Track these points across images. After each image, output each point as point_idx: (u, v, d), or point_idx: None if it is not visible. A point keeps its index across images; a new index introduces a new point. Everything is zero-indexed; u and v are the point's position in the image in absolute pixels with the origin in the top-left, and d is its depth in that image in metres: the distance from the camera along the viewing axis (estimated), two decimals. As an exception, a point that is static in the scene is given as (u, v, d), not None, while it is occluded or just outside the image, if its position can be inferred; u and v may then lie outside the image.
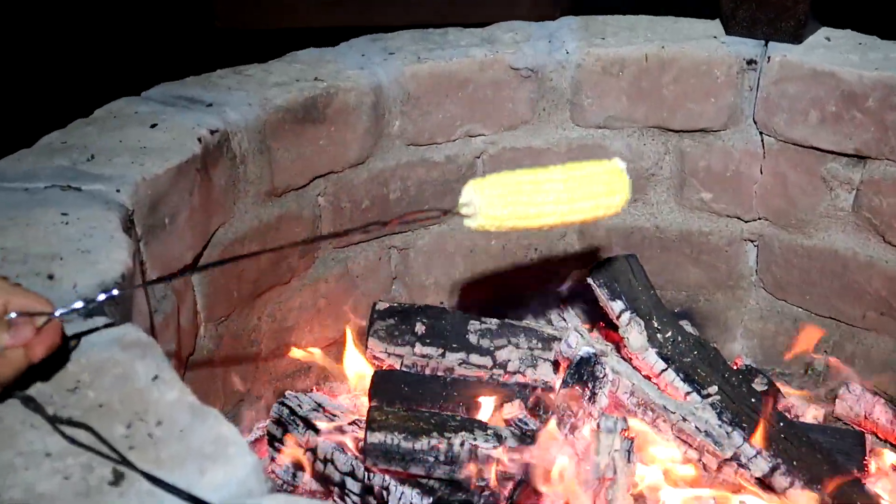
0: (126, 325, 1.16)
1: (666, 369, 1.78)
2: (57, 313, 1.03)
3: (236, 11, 3.46)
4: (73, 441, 0.95)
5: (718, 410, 1.71)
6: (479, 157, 2.06)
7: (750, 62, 1.96)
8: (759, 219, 2.07)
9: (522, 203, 1.25)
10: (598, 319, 1.98)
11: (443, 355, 1.91)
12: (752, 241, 2.11)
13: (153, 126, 1.65)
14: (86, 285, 1.21)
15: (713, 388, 1.75)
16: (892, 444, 1.89)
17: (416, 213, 1.27)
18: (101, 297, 1.12)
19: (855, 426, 1.93)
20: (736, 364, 2.09)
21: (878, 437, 1.90)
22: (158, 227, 1.52)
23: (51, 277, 1.23)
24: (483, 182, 1.25)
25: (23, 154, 1.55)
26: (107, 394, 1.02)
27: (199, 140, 1.62)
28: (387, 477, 1.69)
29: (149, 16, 4.20)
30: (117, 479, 0.91)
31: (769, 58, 1.94)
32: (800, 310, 2.09)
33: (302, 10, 3.45)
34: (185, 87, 1.82)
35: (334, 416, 1.83)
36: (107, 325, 1.15)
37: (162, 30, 4.09)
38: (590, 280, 1.86)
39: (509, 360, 1.91)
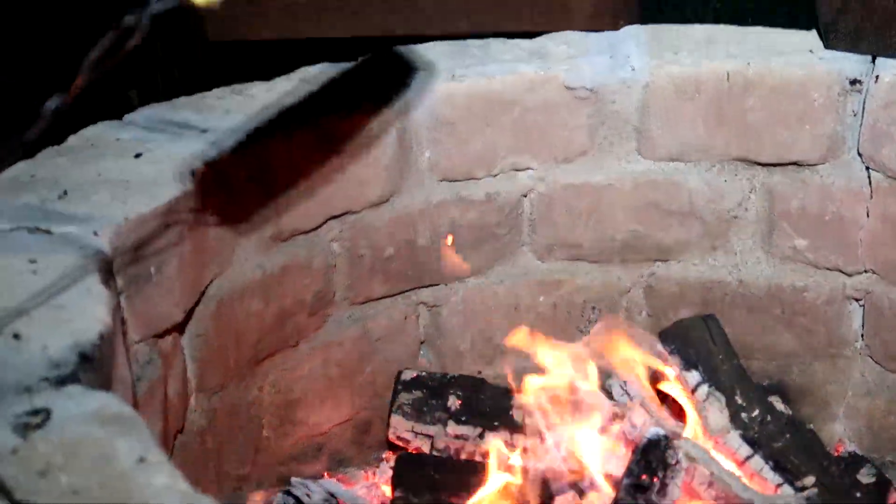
0: (104, 394, 1.17)
1: (752, 455, 1.77)
2: None
3: (231, 21, 3.49)
4: (42, 537, 0.96)
5: (818, 506, 1.70)
6: (526, 196, 2.06)
7: (854, 82, 1.96)
8: (866, 271, 2.07)
9: None
10: (670, 394, 1.98)
11: (481, 436, 1.91)
12: (857, 300, 2.09)
13: (137, 156, 1.66)
14: (57, 347, 1.22)
15: (809, 480, 1.74)
16: None
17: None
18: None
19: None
20: (837, 450, 2.08)
21: None
22: (143, 277, 1.53)
23: (16, 337, 1.24)
24: None
25: (-18, 189, 1.57)
26: (83, 478, 1.03)
27: (192, 173, 1.64)
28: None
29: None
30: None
31: (877, 77, 1.95)
32: (917, 383, 2.07)
33: (310, 18, 3.48)
34: (176, 109, 1.84)
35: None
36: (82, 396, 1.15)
37: (147, 44, 4.15)
38: (660, 346, 1.85)
39: (561, 442, 1.90)
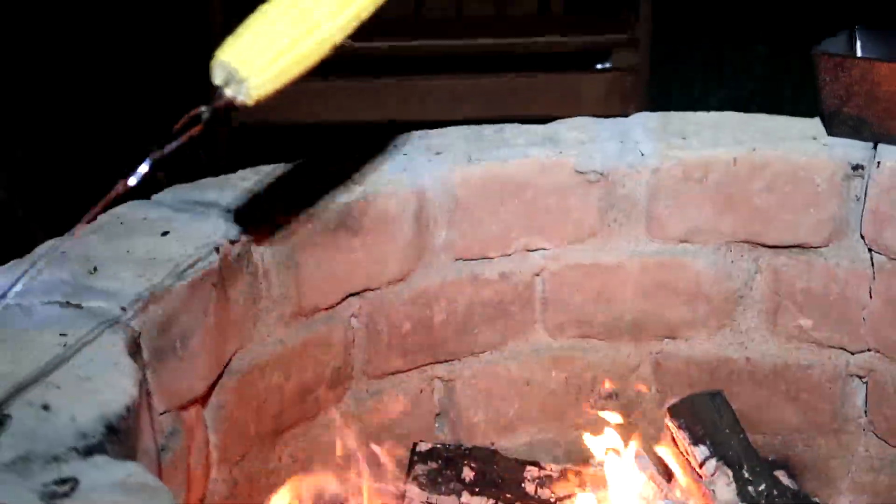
0: (130, 464, 1.17)
1: (760, 530, 1.77)
2: None
3: (256, 106, 3.53)
4: None
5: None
6: (538, 275, 2.07)
7: (856, 167, 1.98)
8: (869, 350, 2.07)
9: (287, 39, 1.18)
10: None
11: (494, 507, 1.91)
12: (860, 377, 2.10)
13: (164, 234, 1.68)
14: (85, 418, 1.23)
15: (817, 556, 1.73)
16: None
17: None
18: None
19: None
20: (843, 525, 2.07)
21: None
22: (168, 351, 1.53)
23: (45, 408, 1.25)
24: (229, 47, 1.16)
25: (17, 264, 1.58)
26: (109, 548, 1.04)
27: (217, 251, 1.65)
28: None
29: (155, 111, 4.34)
30: None
31: (879, 162, 1.96)
32: (920, 460, 2.07)
33: (333, 101, 3.52)
34: (201, 189, 1.85)
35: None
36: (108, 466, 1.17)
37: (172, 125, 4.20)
38: (668, 421, 1.86)
39: (573, 516, 1.91)
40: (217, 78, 1.15)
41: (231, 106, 1.17)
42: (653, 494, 1.78)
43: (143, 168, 1.23)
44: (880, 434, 2.10)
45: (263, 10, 1.17)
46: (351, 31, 1.23)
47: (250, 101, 1.16)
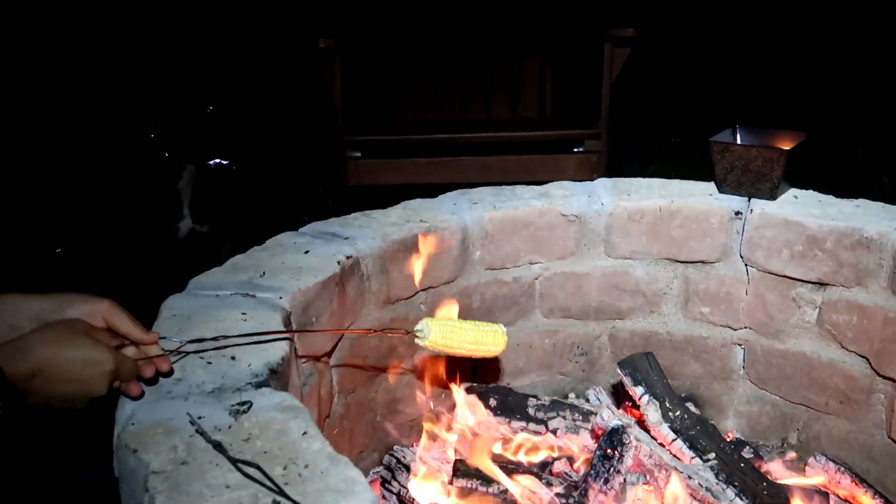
0: (284, 393, 1.18)
1: (676, 439, 1.74)
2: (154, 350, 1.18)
3: (362, 173, 3.55)
4: (246, 476, 0.97)
5: (716, 472, 1.67)
6: (536, 279, 2.06)
7: (737, 213, 1.96)
8: (745, 328, 2.04)
9: (451, 339, 1.45)
10: (624, 400, 1.96)
11: (509, 423, 1.90)
12: (739, 345, 2.07)
13: (306, 252, 1.69)
14: (256, 365, 1.25)
15: (711, 455, 1.71)
16: (848, 502, 1.82)
17: (388, 330, 1.52)
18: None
19: (821, 487, 1.85)
20: (728, 437, 2.04)
21: (838, 497, 1.82)
22: (307, 324, 1.55)
23: (233, 358, 1.26)
24: (432, 322, 1.45)
25: (215, 271, 1.61)
26: (270, 443, 1.04)
27: (338, 263, 1.66)
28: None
29: (303, 181, 4.38)
30: (276, 506, 0.92)
31: (751, 210, 1.94)
32: (777, 397, 2.03)
33: (411, 171, 3.53)
34: (329, 225, 1.87)
35: (429, 465, 1.82)
36: (270, 394, 1.17)
37: (312, 189, 4.24)
38: (618, 370, 1.84)
39: (558, 428, 1.89)
40: (419, 326, 1.46)
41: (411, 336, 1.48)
42: (608, 416, 1.75)
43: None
44: (752, 381, 2.08)
45: (455, 321, 1.51)
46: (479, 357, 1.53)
47: (422, 345, 1.46)
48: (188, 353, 1.26)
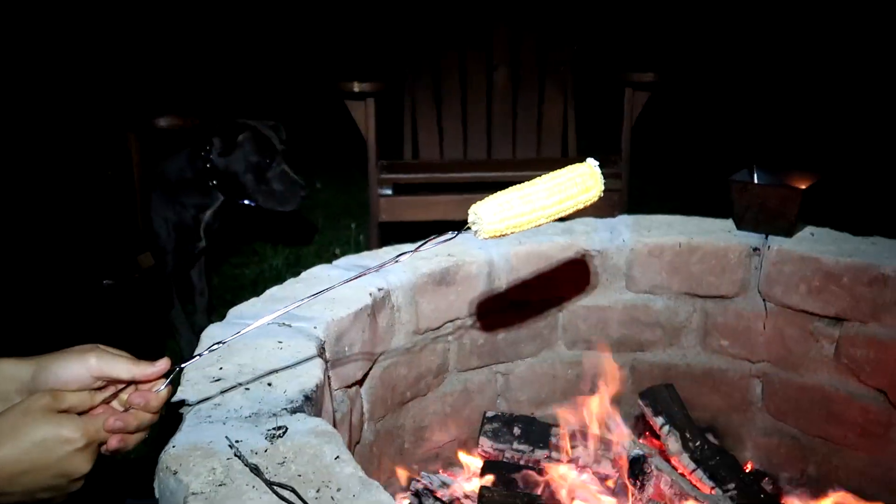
0: (318, 419, 1.18)
1: (696, 469, 1.72)
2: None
3: (394, 209, 3.58)
4: (281, 498, 0.97)
5: (735, 502, 1.64)
6: (560, 311, 2.06)
7: (755, 249, 1.95)
8: (764, 361, 2.01)
9: (516, 214, 1.10)
10: (646, 430, 1.94)
11: (532, 451, 1.89)
12: (758, 378, 2.04)
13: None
14: (291, 391, 1.25)
15: (731, 485, 1.68)
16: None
17: (434, 238, 1.15)
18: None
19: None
20: (747, 468, 2.00)
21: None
22: (341, 353, 1.56)
23: (269, 385, 1.27)
24: (481, 204, 1.10)
25: (254, 301, 1.62)
26: (304, 467, 1.04)
27: (370, 295, 1.67)
28: (491, 539, 1.65)
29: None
30: (309, 527, 0.92)
31: (769, 247, 1.93)
32: (796, 430, 2.00)
33: (440, 207, 3.55)
34: (362, 258, 1.88)
35: (455, 492, 1.81)
36: (305, 419, 1.17)
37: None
38: (639, 401, 1.83)
39: (580, 457, 1.87)
40: (470, 216, 1.10)
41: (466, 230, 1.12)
42: (630, 446, 1.73)
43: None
44: (771, 413, 2.04)
45: (513, 189, 1.11)
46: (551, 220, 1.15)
47: (480, 237, 1.11)
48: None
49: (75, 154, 2.55)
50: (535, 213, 1.10)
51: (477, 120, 4.08)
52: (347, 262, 1.85)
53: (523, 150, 4.06)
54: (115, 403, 1.03)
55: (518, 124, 4.08)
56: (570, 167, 1.14)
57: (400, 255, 1.19)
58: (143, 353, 1.08)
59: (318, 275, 1.76)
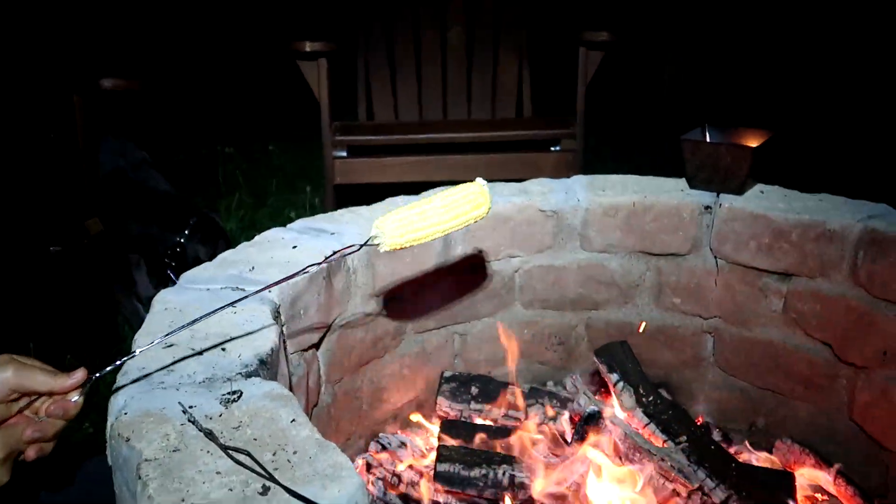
0: (273, 383, 1.17)
1: (649, 423, 1.75)
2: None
3: (349, 172, 3.54)
4: (237, 462, 0.96)
5: (687, 454, 1.68)
6: (516, 272, 2.06)
7: (707, 207, 1.97)
8: (715, 317, 2.05)
9: (414, 229, 1.19)
10: (601, 387, 1.96)
11: (489, 410, 1.90)
12: (709, 333, 2.08)
13: (294, 247, 1.68)
14: (246, 356, 1.23)
15: (683, 438, 1.71)
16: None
17: (342, 250, 1.31)
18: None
19: (786, 468, 1.87)
20: (699, 421, 2.05)
21: (802, 476, 1.84)
22: (296, 316, 1.54)
23: (223, 350, 1.25)
24: (383, 220, 1.18)
25: (207, 266, 1.59)
26: (260, 431, 1.03)
27: (326, 257, 1.65)
28: (450, 497, 1.67)
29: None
30: (266, 491, 0.91)
31: (720, 205, 1.95)
32: (745, 383, 2.04)
33: (396, 169, 3.52)
34: (316, 221, 1.86)
35: (413, 451, 1.82)
36: (260, 383, 1.16)
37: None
38: (595, 358, 1.85)
39: (537, 415, 1.90)
40: (373, 230, 1.17)
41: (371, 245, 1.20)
42: (585, 402, 1.76)
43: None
44: (722, 368, 2.09)
45: (412, 206, 1.20)
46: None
47: (382, 250, 1.18)
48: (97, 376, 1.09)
49: (16, 117, 2.47)
50: (431, 228, 1.20)
51: (432, 80, 4.05)
52: (302, 226, 1.82)
53: (478, 111, 4.04)
54: (28, 412, 1.01)
55: (473, 85, 4.05)
56: (462, 186, 1.24)
57: (308, 266, 1.34)
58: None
59: (272, 238, 1.74)
